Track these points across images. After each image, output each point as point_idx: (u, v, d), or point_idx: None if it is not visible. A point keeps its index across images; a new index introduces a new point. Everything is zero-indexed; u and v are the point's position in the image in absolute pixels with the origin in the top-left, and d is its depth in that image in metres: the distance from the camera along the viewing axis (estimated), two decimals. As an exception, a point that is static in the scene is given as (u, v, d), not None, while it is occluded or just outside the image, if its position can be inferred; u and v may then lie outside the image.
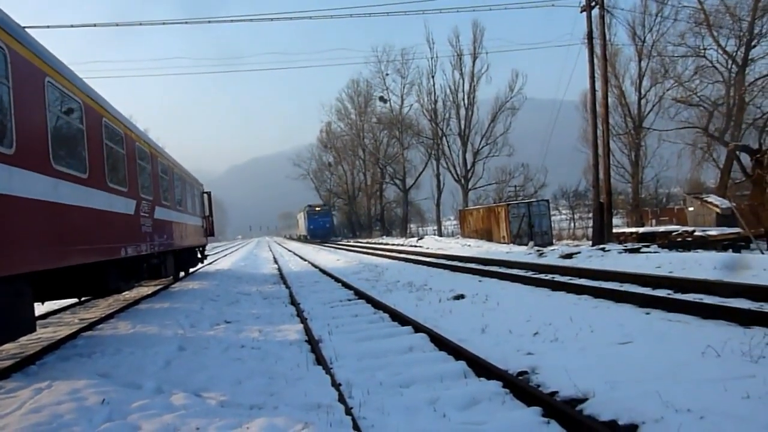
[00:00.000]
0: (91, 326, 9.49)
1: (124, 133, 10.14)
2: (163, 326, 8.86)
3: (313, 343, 6.84)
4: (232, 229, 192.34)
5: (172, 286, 16.53)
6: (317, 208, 67.90)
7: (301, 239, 78.05)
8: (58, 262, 6.63)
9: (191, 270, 21.45)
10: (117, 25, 23.04)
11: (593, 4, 22.39)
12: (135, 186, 10.54)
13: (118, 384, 5.19)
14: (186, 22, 23.56)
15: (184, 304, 11.77)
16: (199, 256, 21.74)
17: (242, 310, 10.75)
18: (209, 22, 24.00)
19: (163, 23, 23.58)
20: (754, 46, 32.41)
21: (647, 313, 7.57)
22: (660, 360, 5.06)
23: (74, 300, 13.06)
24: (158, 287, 16.01)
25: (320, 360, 6.01)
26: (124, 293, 14.68)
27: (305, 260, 27.17)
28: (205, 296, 12.95)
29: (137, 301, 12.85)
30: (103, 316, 10.68)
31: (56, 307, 12.58)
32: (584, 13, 22.63)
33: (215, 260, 33.33)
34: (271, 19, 24.94)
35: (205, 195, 22.64)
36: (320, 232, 66.03)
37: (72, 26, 22.34)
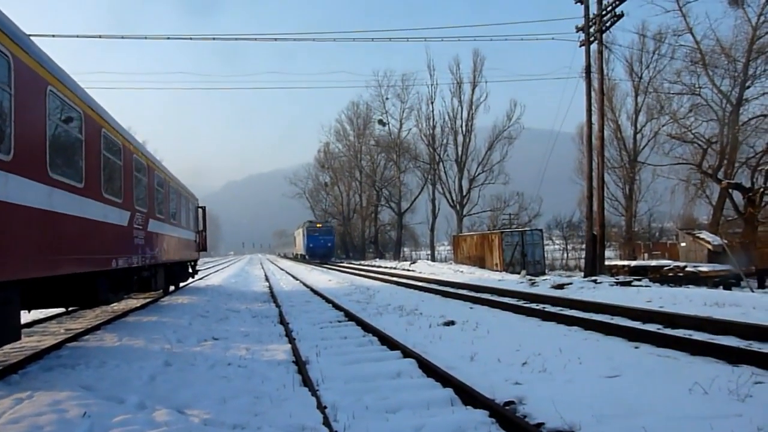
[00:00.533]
0: (77, 337, 9.39)
1: (122, 145, 10.16)
2: (150, 340, 8.78)
3: (300, 364, 6.78)
4: (226, 245, 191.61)
5: (162, 299, 16.41)
6: (318, 225, 60.80)
7: (297, 258, 70.75)
8: (49, 270, 6.59)
9: (182, 284, 21.30)
10: (123, 37, 23.30)
11: (592, 39, 22.76)
12: (130, 198, 10.54)
13: (101, 397, 5.13)
14: (191, 38, 23.84)
15: (172, 318, 11.67)
16: (190, 270, 21.63)
17: (231, 327, 10.67)
18: (213, 39, 24.26)
19: (168, 38, 23.82)
20: (749, 87, 32.93)
21: (636, 347, 7.56)
22: (647, 395, 5.05)
23: (61, 309, 12.94)
24: (147, 300, 15.89)
25: (307, 381, 5.96)
26: (112, 305, 14.57)
27: (297, 279, 27.06)
28: (194, 312, 12.85)
29: (125, 314, 12.74)
30: (89, 327, 10.58)
31: (42, 316, 12.45)
32: (583, 48, 23.00)
33: (206, 275, 33.14)
34: (275, 39, 25.20)
35: (200, 209, 22.61)
36: (321, 252, 58.63)
37: (78, 36, 22.52)
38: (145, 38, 23.07)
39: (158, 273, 14.54)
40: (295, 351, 7.70)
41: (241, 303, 15.59)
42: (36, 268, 6.25)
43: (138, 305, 14.55)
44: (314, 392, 5.48)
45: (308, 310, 13.31)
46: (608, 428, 4.21)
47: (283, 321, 11.20)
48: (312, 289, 19.59)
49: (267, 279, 28.40)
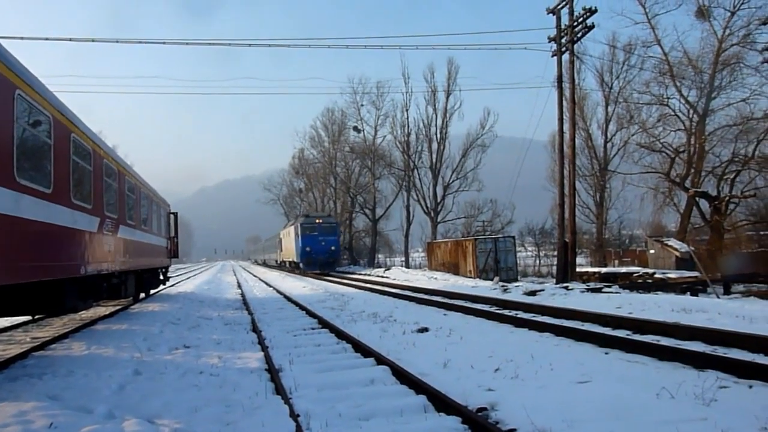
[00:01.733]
0: (44, 346, 9.18)
1: (92, 150, 9.99)
2: (120, 348, 8.63)
3: (273, 372, 6.74)
4: (197, 251, 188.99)
5: (132, 307, 16.13)
6: (318, 221, 42.13)
7: (284, 268, 52.69)
8: (15, 278, 6.43)
9: (153, 291, 20.96)
10: (93, 40, 22.82)
11: (564, 49, 23.18)
12: (100, 203, 10.35)
13: (69, 407, 5.02)
14: (164, 42, 23.52)
15: (142, 326, 11.49)
16: (161, 277, 21.31)
17: (203, 335, 10.54)
18: (187, 44, 24.01)
19: (140, 41, 23.46)
20: (714, 98, 33.82)
21: (606, 353, 7.69)
22: (617, 400, 5.13)
23: (27, 317, 12.62)
24: (117, 308, 15.59)
25: (280, 389, 5.92)
26: (80, 313, 14.26)
27: (270, 286, 26.85)
28: (165, 319, 12.66)
29: (94, 322, 12.50)
30: (56, 335, 10.35)
31: (7, 324, 12.13)
32: (555, 58, 23.40)
33: (178, 282, 32.66)
34: (249, 45, 25.07)
35: (172, 215, 22.32)
36: (322, 258, 40.76)
37: (47, 39, 22.08)
38: (116, 41, 22.68)
39: (129, 280, 14.29)
40: (268, 359, 7.64)
41: (214, 310, 15.41)
42: (1, 276, 6.10)
43: (107, 313, 14.28)
44: (287, 400, 5.44)
45: (281, 318, 13.21)
46: (578, 433, 4.28)
47: (255, 328, 11.11)
48: (285, 296, 19.45)
49: (240, 286, 28.12)
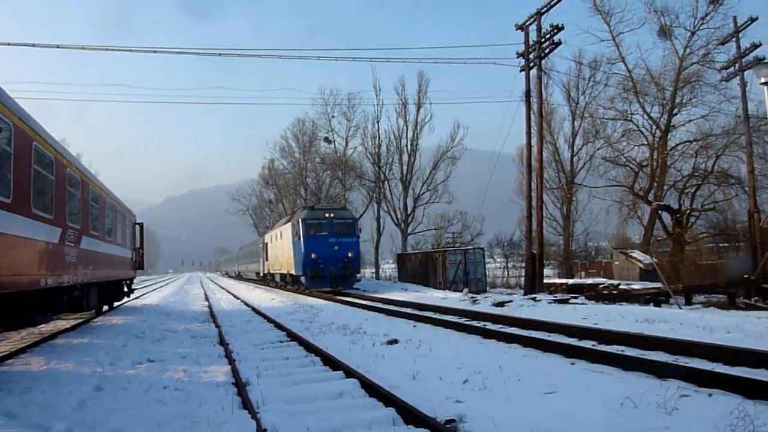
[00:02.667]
0: (0, 361, 8.86)
1: (54, 158, 9.75)
2: (81, 363, 8.39)
3: (240, 386, 6.63)
4: (164, 262, 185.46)
5: (94, 320, 15.71)
6: (329, 214, 29.05)
7: (272, 282, 39.19)
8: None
9: (116, 304, 20.47)
10: (58, 47, 22.39)
11: (532, 65, 23.63)
12: (62, 213, 10.10)
13: (25, 425, 4.85)
14: (139, 50, 23.17)
15: (105, 340, 11.20)
16: (125, 289, 20.84)
17: (168, 348, 10.32)
18: (155, 51, 23.67)
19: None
20: (676, 114, 34.90)
21: (573, 363, 7.79)
22: (582, 410, 5.20)
23: (-17, 332, 12.18)
24: (79, 321, 15.17)
25: (246, 404, 5.84)
26: (40, 326, 13.82)
27: (238, 298, 26.48)
28: (128, 332, 12.37)
29: (54, 336, 12.13)
30: (13, 350, 10.01)
31: (-38, 339, 11.69)
32: (523, 73, 23.82)
33: (143, 294, 31.96)
34: (219, 54, 24.93)
35: (137, 226, 21.89)
36: (336, 271, 27.70)
37: (34, 45, 21.41)
38: (82, 48, 22.26)
39: (91, 292, 13.94)
40: (234, 372, 7.52)
41: (179, 323, 15.11)
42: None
43: (68, 326, 13.88)
44: (254, 415, 5.36)
45: (249, 330, 13.03)
46: (545, 444, 4.32)
47: (222, 341, 10.93)
48: (253, 309, 19.20)
49: (207, 298, 27.66)
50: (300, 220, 28.43)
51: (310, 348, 9.55)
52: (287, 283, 32.92)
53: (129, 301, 23.44)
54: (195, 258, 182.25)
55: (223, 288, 41.68)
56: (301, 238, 27.75)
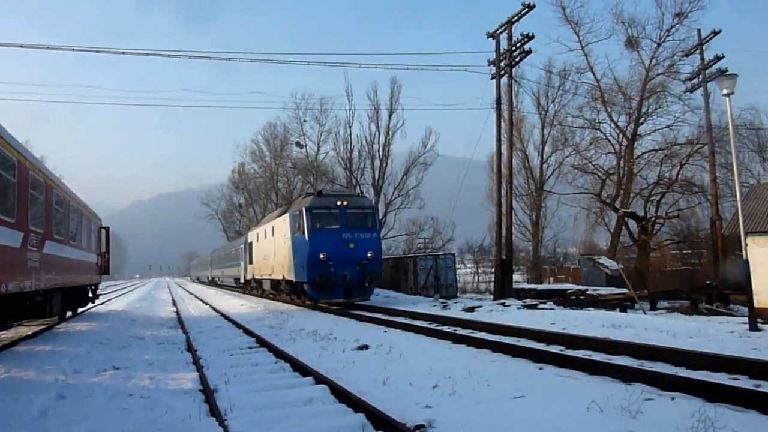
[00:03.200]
0: (-43, 369, 8.56)
1: (16, 161, 9.49)
2: (43, 371, 8.16)
3: (207, 393, 6.54)
4: (131, 267, 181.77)
5: (58, 326, 15.30)
6: (341, 202, 21.12)
7: (255, 291, 33.38)
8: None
9: (81, 310, 19.98)
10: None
11: (503, 73, 23.95)
12: (24, 217, 9.83)
13: (-17, 436, 4.70)
14: (98, 51, 22.75)
15: (68, 347, 10.92)
16: (90, 295, 20.36)
17: (134, 355, 10.12)
18: (123, 53, 23.28)
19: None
20: (642, 123, 35.77)
21: (541, 368, 7.89)
22: (549, 414, 5.27)
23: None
24: (41, 327, 14.75)
25: (214, 411, 5.75)
26: (0, 333, 13.41)
27: (207, 304, 26.11)
28: (93, 339, 12.09)
29: (15, 343, 11.78)
30: (-28, 358, 9.67)
31: None
32: (494, 81, 24.13)
33: (109, 300, 31.25)
34: (189, 56, 24.61)
35: (103, 230, 21.44)
36: (352, 276, 20.09)
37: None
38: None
39: (54, 298, 13.57)
40: (202, 379, 7.41)
41: (146, 329, 14.83)
42: None
43: (30, 333, 13.49)
44: (222, 422, 5.29)
45: (218, 336, 12.86)
46: (512, 448, 4.37)
47: (190, 348, 10.75)
48: (222, 315, 18.96)
49: (174, 304, 27.20)
50: (304, 210, 20.47)
51: (279, 354, 9.47)
52: (281, 292, 25.32)
53: (94, 307, 22.91)
54: (163, 263, 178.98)
55: (191, 293, 41.05)
56: (306, 233, 20.07)
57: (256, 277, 30.21)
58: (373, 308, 19.50)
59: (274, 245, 24.91)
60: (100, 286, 23.58)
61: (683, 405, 5.60)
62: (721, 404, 5.51)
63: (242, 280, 36.07)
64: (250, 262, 32.02)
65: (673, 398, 5.93)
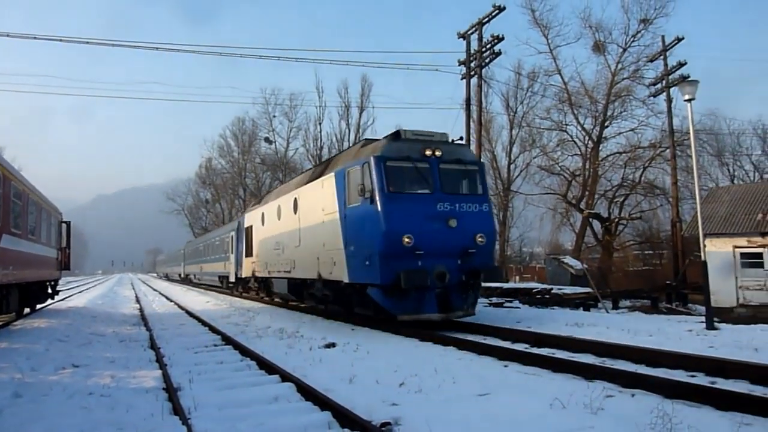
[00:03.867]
0: None
1: (-28, 151, 9.16)
2: (-3, 369, 7.90)
3: (171, 391, 6.42)
4: (93, 263, 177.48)
5: (14, 323, 14.84)
6: (433, 152, 11.95)
7: (256, 293, 24.06)
8: None
9: (39, 306, 19.43)
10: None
11: (473, 73, 24.16)
12: (-20, 210, 9.49)
13: (-68, 436, 4.53)
14: (43, 38, 22.08)
15: (26, 344, 10.61)
16: (50, 291, 19.80)
17: (94, 353, 9.88)
18: (87, 42, 22.65)
19: (16, 36, 21.92)
20: (607, 126, 36.55)
21: (506, 366, 7.99)
22: (513, 411, 5.34)
23: None
24: (-4, 324, 14.29)
25: (177, 409, 5.66)
26: (-48, 330, 12.94)
27: (171, 301, 25.66)
28: (52, 336, 11.76)
29: (-32, 340, 11.38)
30: None
31: None
32: (464, 81, 24.33)
33: (69, 296, 30.46)
34: (156, 48, 24.13)
35: (64, 224, 20.88)
36: (454, 270, 11.55)
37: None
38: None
39: (11, 294, 13.17)
40: (166, 377, 7.28)
41: (108, 326, 14.50)
42: None
43: (-16, 330, 13.05)
44: (185, 421, 5.21)
45: (182, 334, 12.65)
46: (477, 445, 4.41)
47: (154, 345, 10.55)
48: (187, 312, 18.66)
49: (138, 300, 26.67)
50: (372, 162, 11.92)
51: (245, 352, 9.37)
52: (310, 298, 16.48)
53: (53, 303, 22.28)
54: (126, 259, 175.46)
55: (155, 290, 40.30)
56: (377, 200, 11.69)
57: (259, 274, 21.25)
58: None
59: (298, 226, 15.96)
60: (60, 282, 22.95)
61: (643, 401, 5.73)
62: (678, 400, 5.67)
63: (231, 279, 28.00)
64: (249, 254, 23.07)
65: (633, 395, 6.07)
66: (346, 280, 12.56)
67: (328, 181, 13.72)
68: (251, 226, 22.70)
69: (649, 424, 4.79)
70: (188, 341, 11.26)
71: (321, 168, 15.79)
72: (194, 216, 75.77)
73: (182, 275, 53.31)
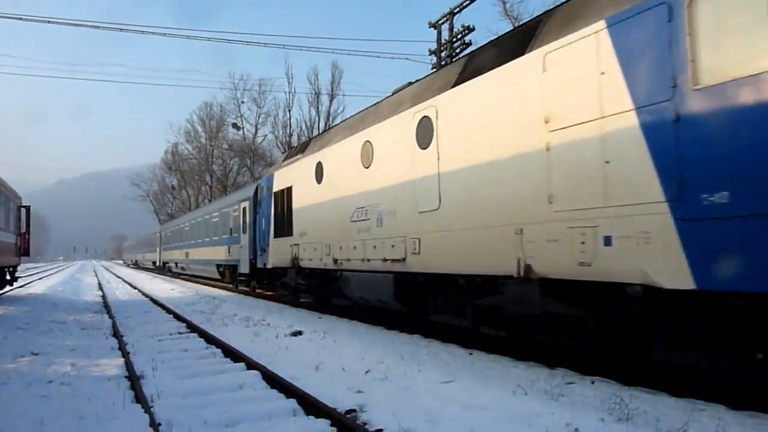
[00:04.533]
0: None
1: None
2: (-48, 357, 7.68)
3: (133, 379, 6.35)
4: (54, 249, 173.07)
5: (-31, 310, 14.42)
6: None
7: (295, 296, 15.73)
8: None
9: (-4, 293, 18.88)
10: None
11: (443, 63, 24.19)
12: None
13: None
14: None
15: (-19, 332, 10.31)
16: (8, 277, 19.26)
17: (55, 341, 9.67)
18: (48, 21, 21.94)
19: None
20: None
21: (471, 353, 8.11)
22: (477, 398, 5.43)
23: None
24: (-50, 311, 13.86)
25: (140, 398, 5.59)
26: None
27: (135, 288, 25.24)
28: (10, 324, 11.48)
29: None
30: None
31: None
32: (435, 71, 24.36)
33: (29, 283, 29.67)
34: (121, 30, 23.54)
35: (23, 209, 20.30)
36: None
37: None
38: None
39: (-34, 280, 12.77)
40: (128, 365, 7.19)
41: (69, 314, 14.20)
42: None
43: (-62, 317, 12.65)
44: (148, 409, 5.15)
45: (146, 322, 12.47)
46: (439, 430, 4.49)
47: (116, 333, 10.39)
48: (152, 299, 18.38)
49: (101, 287, 26.14)
50: None
51: (210, 340, 9.31)
52: (474, 319, 8.19)
53: (12, 290, 21.70)
54: (89, 245, 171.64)
55: (119, 277, 39.55)
56: None
57: (307, 264, 13.36)
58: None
59: (436, 168, 8.42)
60: (19, 269, 22.34)
61: (602, 388, 5.89)
62: (634, 387, 5.85)
63: (243, 269, 19.98)
64: (282, 232, 14.80)
65: (593, 382, 6.24)
66: (684, 284, 4.91)
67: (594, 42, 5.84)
68: (289, 190, 14.52)
69: (607, 409, 4.94)
70: (152, 329, 11.12)
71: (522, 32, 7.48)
72: (160, 202, 74.38)
73: (158, 263, 46.30)
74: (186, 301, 17.85)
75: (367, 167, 10.43)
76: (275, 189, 15.51)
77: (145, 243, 58.55)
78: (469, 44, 23.51)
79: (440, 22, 24.00)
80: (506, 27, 44.35)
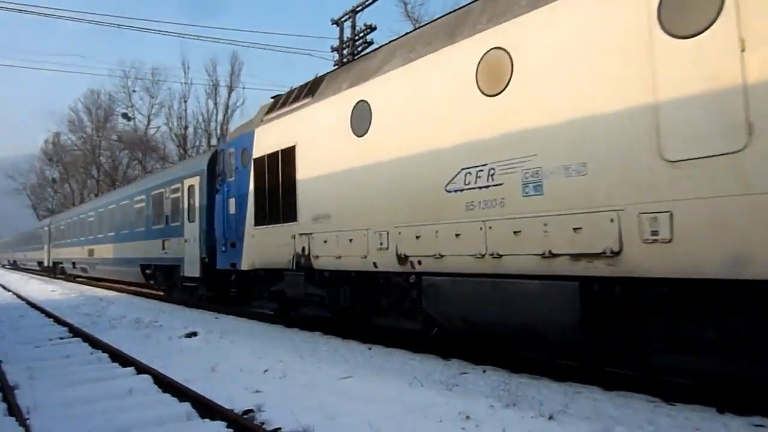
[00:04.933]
0: None
1: None
2: None
3: (6, 390, 5.84)
4: None
5: None
6: None
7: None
8: None
9: None
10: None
11: (345, 60, 24.24)
12: None
13: None
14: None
15: None
16: None
17: None
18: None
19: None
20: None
21: (370, 348, 8.23)
22: (375, 391, 5.53)
23: None
24: None
25: (14, 410, 5.16)
26: None
27: (8, 290, 23.13)
28: None
29: None
30: None
31: None
32: (337, 67, 24.36)
33: None
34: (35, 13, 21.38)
35: None
36: None
37: None
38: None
39: None
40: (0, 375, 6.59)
41: (-72, 320, 12.76)
42: None
43: None
44: (23, 422, 4.77)
45: (21, 327, 11.48)
46: (338, 425, 4.55)
47: (-16, 341, 9.48)
48: (28, 302, 16.93)
49: (-32, 290, 23.72)
50: None
51: (96, 344, 8.76)
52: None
53: None
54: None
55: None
56: None
57: (322, 265, 8.99)
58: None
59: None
60: None
61: (492, 377, 6.21)
62: (521, 374, 6.22)
63: (191, 273, 14.58)
64: (284, 217, 9.91)
65: (484, 371, 6.55)
66: None
67: None
68: (288, 152, 9.89)
69: (497, 396, 5.22)
70: (28, 334, 10.27)
71: None
72: (39, 197, 68.69)
73: (47, 263, 38.05)
74: (68, 303, 16.62)
75: (493, 94, 6.21)
76: (257, 154, 10.85)
77: (27, 239, 48.69)
78: (371, 43, 23.70)
79: (343, 20, 24.01)
80: (407, 27, 45.16)
